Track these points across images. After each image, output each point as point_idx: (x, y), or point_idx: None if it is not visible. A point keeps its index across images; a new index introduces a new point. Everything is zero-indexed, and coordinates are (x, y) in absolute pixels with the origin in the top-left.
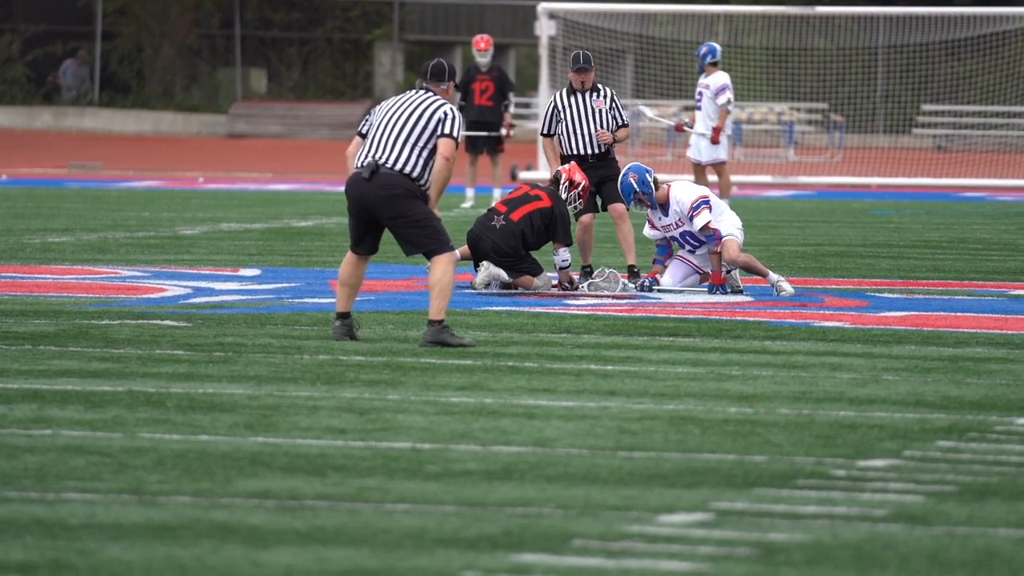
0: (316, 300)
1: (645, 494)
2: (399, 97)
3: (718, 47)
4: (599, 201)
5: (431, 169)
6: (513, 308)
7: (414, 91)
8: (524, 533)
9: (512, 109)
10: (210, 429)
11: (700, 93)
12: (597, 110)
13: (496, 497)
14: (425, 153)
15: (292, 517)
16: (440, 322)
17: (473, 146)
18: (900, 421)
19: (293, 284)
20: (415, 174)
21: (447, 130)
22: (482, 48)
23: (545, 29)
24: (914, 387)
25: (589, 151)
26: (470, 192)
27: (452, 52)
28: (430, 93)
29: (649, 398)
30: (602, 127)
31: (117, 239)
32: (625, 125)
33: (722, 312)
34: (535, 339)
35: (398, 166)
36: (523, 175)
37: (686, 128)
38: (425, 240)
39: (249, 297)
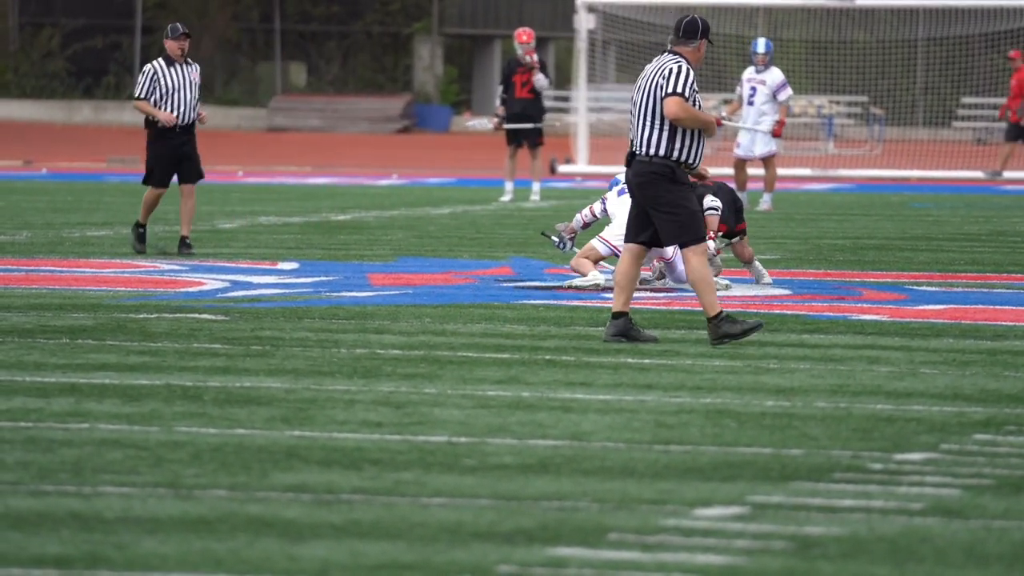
0: (354, 294)
1: (681, 488)
2: (648, 67)
3: (772, 43)
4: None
5: (685, 137)
6: (551, 301)
7: (660, 56)
8: (560, 527)
9: (547, 83)
10: (247, 423)
11: (753, 88)
12: (192, 82)
13: (532, 491)
14: (664, 125)
15: (328, 511)
16: (717, 316)
17: (513, 139)
18: (937, 414)
19: (331, 278)
20: (662, 152)
21: (669, 88)
22: (524, 41)
23: (584, 22)
24: (952, 380)
25: (187, 120)
26: (509, 185)
27: (492, 45)
28: (667, 56)
29: (686, 391)
30: (199, 99)
31: (156, 233)
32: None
33: (759, 306)
34: (572, 332)
35: (643, 149)
36: (562, 168)
37: (725, 122)
38: (673, 231)
39: (287, 291)
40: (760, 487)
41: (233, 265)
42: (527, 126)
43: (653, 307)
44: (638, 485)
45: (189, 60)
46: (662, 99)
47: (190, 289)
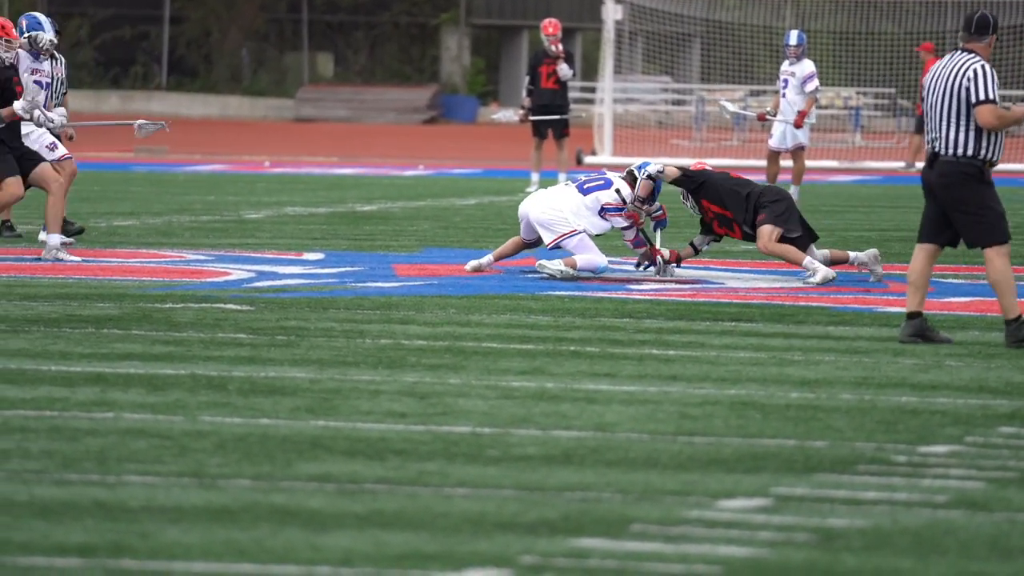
0: (379, 284)
1: (705, 479)
2: (939, 64)
3: (804, 35)
4: None
5: (991, 135)
6: (576, 292)
7: (952, 53)
8: (583, 518)
9: (570, 73)
10: (271, 413)
11: (785, 80)
12: (57, 77)
13: (555, 482)
14: (970, 125)
15: (351, 501)
16: (1017, 320)
17: (539, 130)
18: (962, 407)
19: (356, 268)
20: (969, 152)
21: (980, 96)
22: (550, 32)
23: (611, 13)
24: (977, 373)
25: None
26: (535, 176)
27: (519, 36)
28: (963, 54)
29: (710, 383)
30: (66, 93)
31: (182, 223)
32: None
33: (785, 297)
34: (597, 324)
35: (949, 149)
36: (588, 159)
37: (769, 117)
38: (977, 233)
39: (312, 281)
40: (784, 479)
41: (259, 255)
42: (553, 117)
43: (678, 299)
44: (661, 476)
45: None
46: (973, 105)
47: (216, 279)
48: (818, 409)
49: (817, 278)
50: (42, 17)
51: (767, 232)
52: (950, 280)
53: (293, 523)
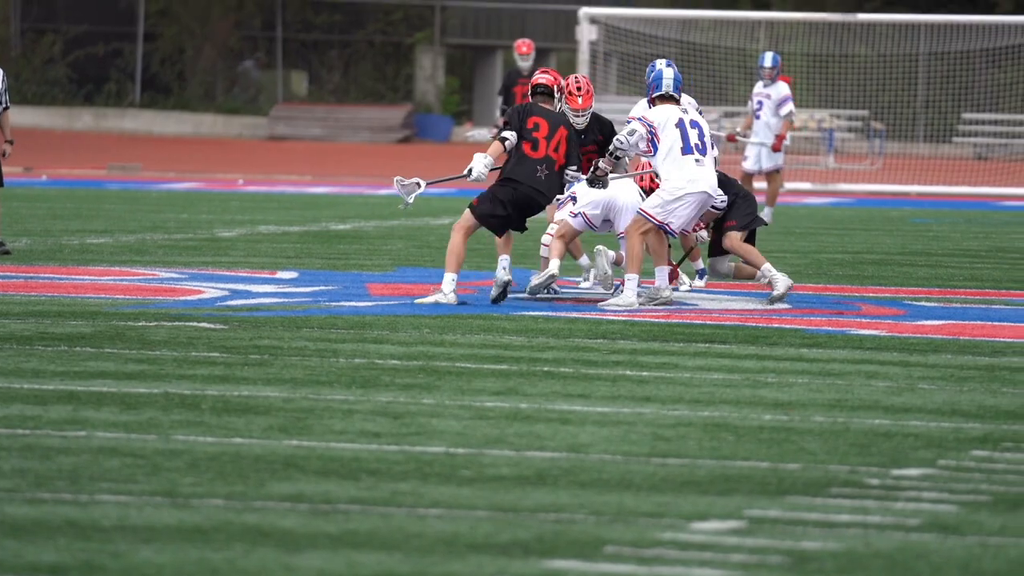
0: (353, 303)
1: (678, 501)
2: None
3: (779, 56)
4: None
5: None
6: (550, 313)
7: None
8: (557, 539)
9: None
10: (244, 432)
11: (760, 102)
12: None
13: (529, 503)
14: None
15: (325, 521)
16: None
17: None
18: (935, 430)
19: (330, 287)
20: None
21: None
22: (524, 52)
23: (586, 34)
24: (950, 396)
25: None
26: None
27: (493, 56)
28: None
29: (684, 405)
30: (7, 109)
31: (155, 241)
32: None
33: (759, 319)
34: (571, 344)
35: None
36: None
37: (739, 138)
38: None
39: (286, 300)
40: (757, 501)
41: (232, 274)
42: None
43: (653, 320)
44: (635, 498)
45: None
46: None
47: (189, 297)
48: (791, 431)
49: (779, 287)
50: None
51: (736, 234)
52: (923, 303)
53: (266, 543)
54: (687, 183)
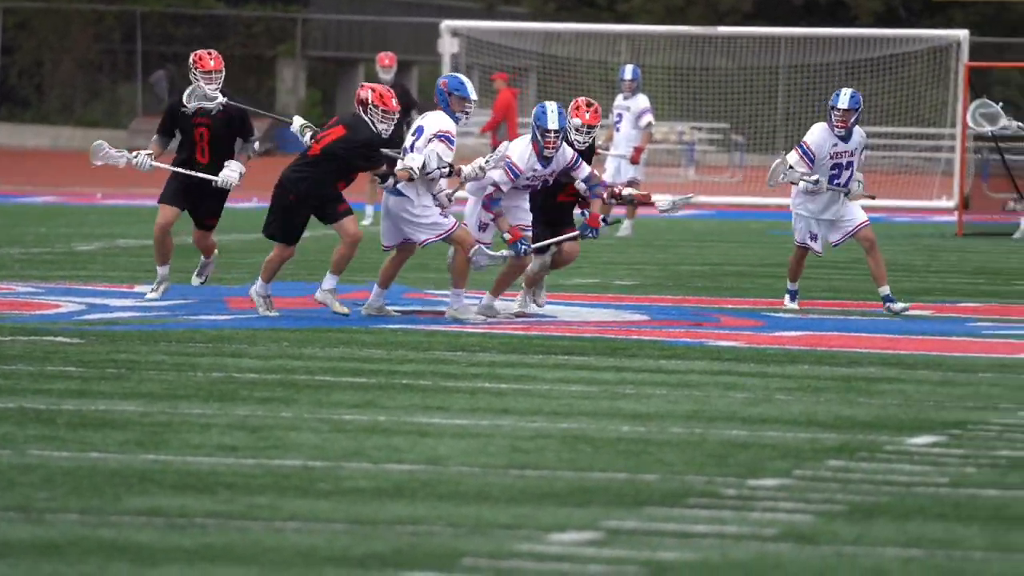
0: (211, 317)
1: (536, 512)
2: None
3: (639, 69)
4: None
5: None
6: (409, 326)
7: None
8: (414, 551)
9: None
10: (100, 446)
11: (619, 115)
12: None
13: (387, 515)
14: None
15: (181, 535)
16: None
17: None
18: (791, 440)
19: (188, 301)
20: None
21: None
22: (386, 65)
23: (448, 47)
24: (806, 407)
25: None
26: (369, 209)
27: (355, 69)
28: None
29: (542, 416)
30: None
31: (12, 255)
32: None
33: (617, 331)
34: (430, 357)
35: None
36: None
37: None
38: None
39: (144, 314)
40: (614, 512)
41: (90, 288)
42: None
43: (512, 332)
44: (493, 510)
45: None
46: None
47: (46, 312)
48: (649, 443)
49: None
50: None
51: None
52: (780, 314)
53: (121, 558)
54: None
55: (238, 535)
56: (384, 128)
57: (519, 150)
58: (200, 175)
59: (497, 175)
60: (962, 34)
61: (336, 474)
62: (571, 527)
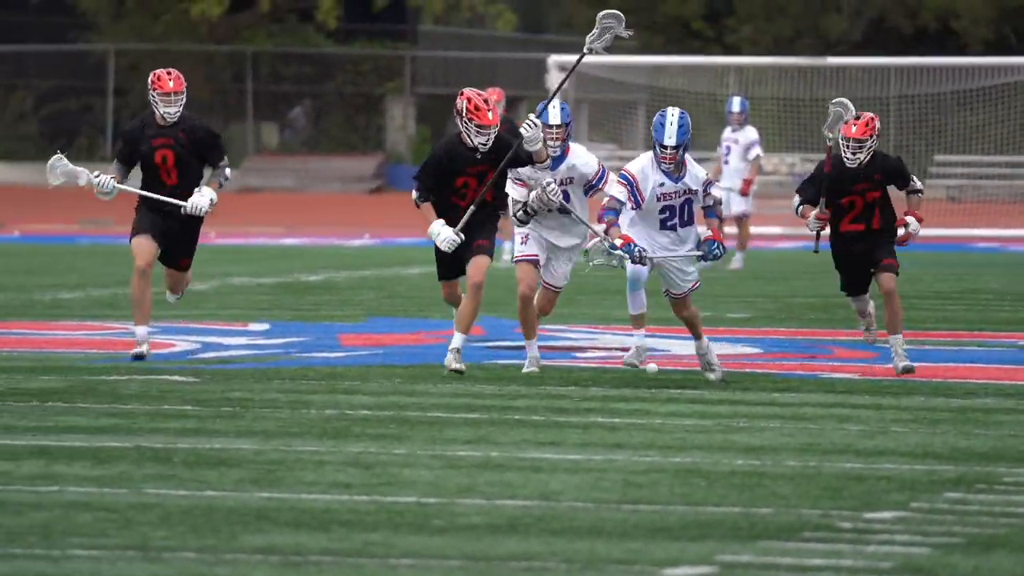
0: (324, 355)
1: (650, 547)
2: None
3: (748, 101)
4: None
5: None
6: (521, 361)
7: None
8: None
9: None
10: (216, 484)
11: (728, 148)
12: None
13: (501, 551)
14: None
15: (296, 572)
16: None
17: None
18: (908, 473)
19: (301, 339)
20: None
21: None
22: (495, 101)
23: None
24: (922, 438)
25: None
26: (508, 245)
27: None
28: None
29: (655, 451)
30: None
31: (128, 295)
32: None
33: (731, 364)
34: (542, 392)
35: None
36: None
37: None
38: None
39: (257, 352)
40: (729, 546)
41: (204, 326)
42: None
43: (624, 367)
44: (606, 545)
45: None
46: None
47: (161, 351)
48: (763, 476)
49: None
50: None
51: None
52: None
53: None
54: None
55: (353, 572)
56: (480, 143)
57: (639, 163)
58: (169, 200)
59: (615, 189)
60: None
61: (450, 510)
62: (685, 562)
